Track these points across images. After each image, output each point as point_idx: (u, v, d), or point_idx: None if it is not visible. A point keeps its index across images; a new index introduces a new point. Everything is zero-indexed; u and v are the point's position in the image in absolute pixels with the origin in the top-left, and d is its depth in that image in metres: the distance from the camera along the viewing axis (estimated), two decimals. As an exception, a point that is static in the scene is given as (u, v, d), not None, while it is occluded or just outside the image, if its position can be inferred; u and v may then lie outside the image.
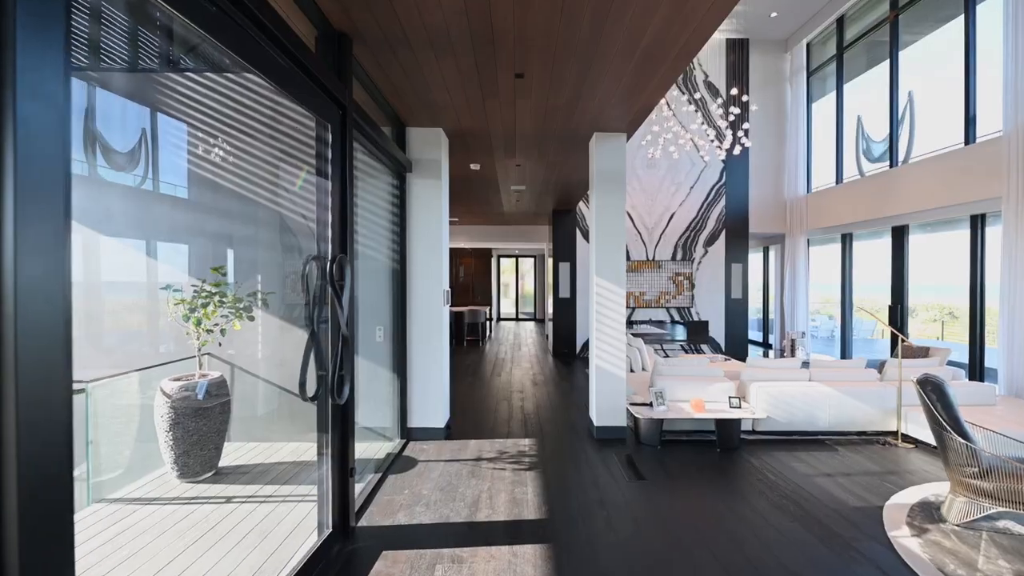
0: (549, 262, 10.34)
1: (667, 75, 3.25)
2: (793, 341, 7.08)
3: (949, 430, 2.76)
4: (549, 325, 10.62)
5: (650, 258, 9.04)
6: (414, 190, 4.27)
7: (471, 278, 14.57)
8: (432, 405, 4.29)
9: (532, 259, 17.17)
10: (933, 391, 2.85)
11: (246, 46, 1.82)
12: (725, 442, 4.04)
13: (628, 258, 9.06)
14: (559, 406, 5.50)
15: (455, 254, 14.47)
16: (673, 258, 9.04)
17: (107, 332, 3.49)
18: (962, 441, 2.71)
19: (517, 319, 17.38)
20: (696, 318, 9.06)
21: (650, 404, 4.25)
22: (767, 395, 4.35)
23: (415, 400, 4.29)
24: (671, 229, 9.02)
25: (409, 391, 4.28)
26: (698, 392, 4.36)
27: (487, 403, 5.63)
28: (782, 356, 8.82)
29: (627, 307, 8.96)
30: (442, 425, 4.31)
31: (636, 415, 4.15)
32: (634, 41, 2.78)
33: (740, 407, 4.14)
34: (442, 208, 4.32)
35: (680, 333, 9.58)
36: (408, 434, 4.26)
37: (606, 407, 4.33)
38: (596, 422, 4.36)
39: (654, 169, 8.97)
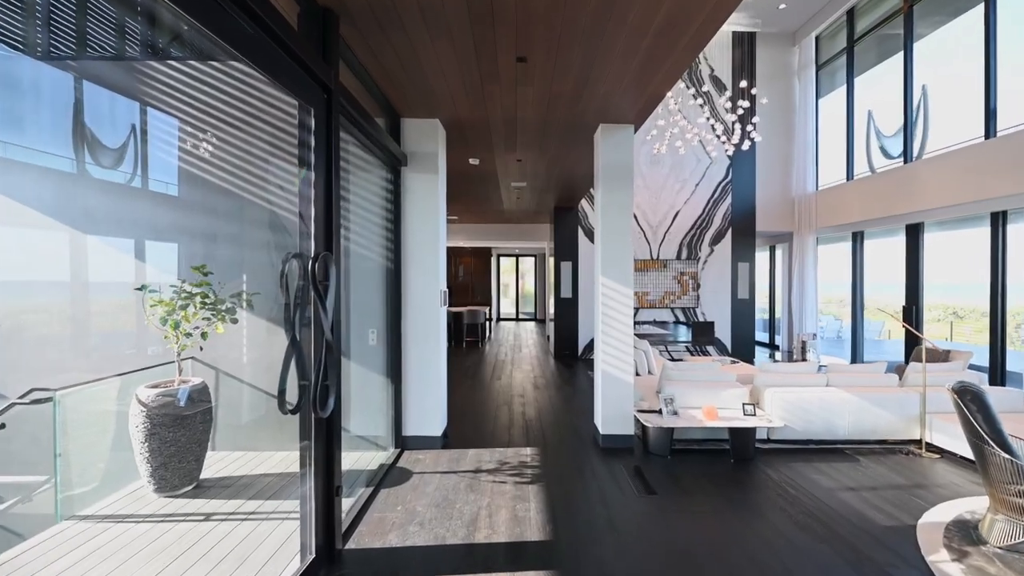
0: (550, 261, 10.11)
1: (678, 62, 3.02)
2: (804, 343, 6.84)
3: (991, 444, 2.53)
4: (550, 326, 10.39)
5: (654, 257, 8.81)
6: (409, 185, 4.03)
7: (470, 278, 14.33)
8: (429, 412, 4.06)
9: (532, 258, 16.94)
10: (972, 401, 2.62)
11: (219, 21, 1.59)
12: (739, 452, 3.80)
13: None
14: (562, 411, 5.27)
15: (454, 253, 14.25)
16: (678, 257, 8.80)
17: (80, 336, 3.27)
18: (1007, 457, 2.48)
19: (517, 319, 17.15)
20: (701, 319, 8.82)
21: (659, 411, 4.01)
22: (782, 401, 4.11)
23: (411, 407, 4.06)
24: (676, 227, 8.78)
25: (404, 397, 4.05)
26: (710, 398, 4.12)
27: (487, 408, 5.40)
28: (791, 358, 8.58)
29: (631, 307, 8.75)
30: (439, 433, 4.07)
31: (644, 423, 3.91)
32: (645, 21, 2.54)
33: (755, 415, 3.91)
34: (439, 204, 4.08)
35: (684, 334, 9.34)
36: (403, 443, 4.02)
37: (612, 414, 4.10)
38: (602, 430, 4.12)
39: (658, 166, 8.73)
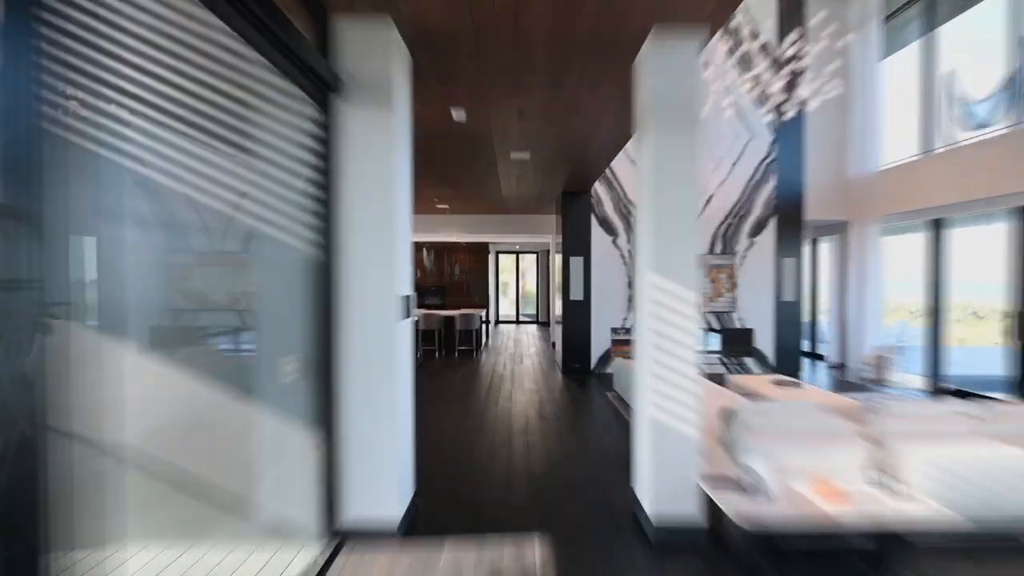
0: (557, 259, 8.66)
1: None
2: (881, 359, 5.39)
3: None
4: (556, 330, 8.95)
5: (682, 251, 7.36)
6: (348, 127, 2.58)
7: (465, 276, 12.89)
8: (382, 481, 2.62)
9: (534, 255, 15.50)
10: None
11: None
12: (879, 553, 2.35)
13: (655, 251, 7.39)
14: (582, 463, 3.82)
15: (449, 249, 12.81)
16: (711, 251, 7.35)
17: None
18: None
19: (517, 321, 15.72)
20: (738, 325, 7.37)
21: (737, 483, 2.56)
22: (929, 465, 2.66)
23: (352, 475, 2.62)
24: (709, 215, 7.33)
25: (341, 461, 2.61)
26: (813, 458, 2.67)
27: (476, 453, 3.95)
28: (842, 372, 7.12)
29: (654, 312, 7.33)
30: (399, 513, 2.64)
31: (720, 504, 2.46)
32: None
33: (896, 490, 2.46)
34: (396, 160, 2.63)
35: (713, 342, 7.90)
36: (340, 535, 2.58)
37: (668, 485, 2.65)
38: (651, 508, 2.68)
39: (687, 141, 7.28)
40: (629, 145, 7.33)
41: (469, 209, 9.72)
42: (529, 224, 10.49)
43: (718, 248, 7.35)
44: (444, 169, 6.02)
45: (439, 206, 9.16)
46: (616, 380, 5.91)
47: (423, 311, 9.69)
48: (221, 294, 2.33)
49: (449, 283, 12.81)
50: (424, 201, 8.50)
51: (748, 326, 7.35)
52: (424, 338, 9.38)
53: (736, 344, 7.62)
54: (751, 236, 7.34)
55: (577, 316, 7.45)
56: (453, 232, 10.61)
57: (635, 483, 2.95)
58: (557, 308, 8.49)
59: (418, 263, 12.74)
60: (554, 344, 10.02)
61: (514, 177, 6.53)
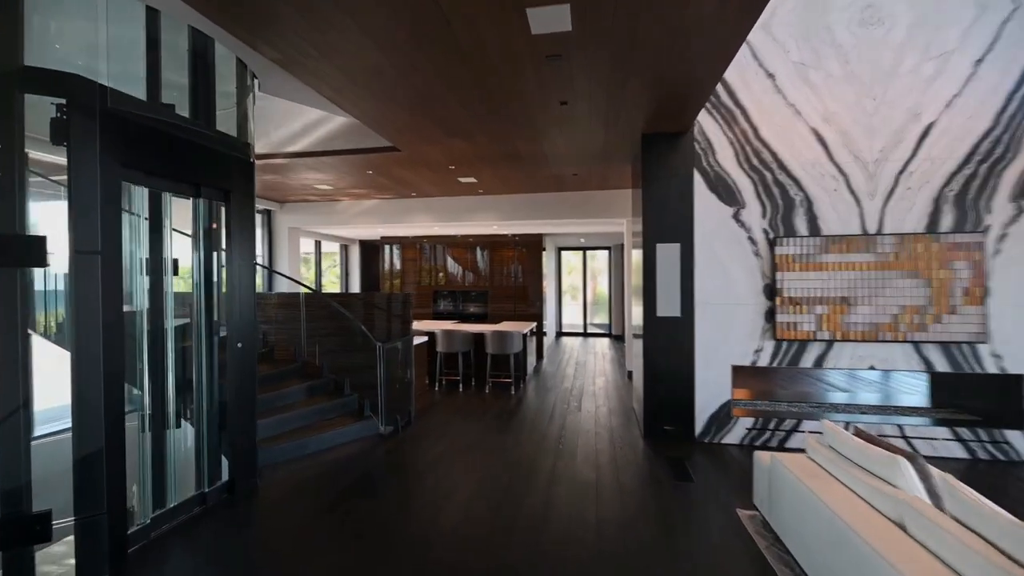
0: (635, 255, 5.64)
1: None
2: None
3: None
4: (634, 350, 5.93)
5: (869, 229, 4.08)
6: None
7: (512, 278, 10.16)
8: None
9: (606, 251, 12.44)
10: None
11: None
12: None
13: (813, 231, 4.16)
14: None
15: (495, 244, 10.18)
16: (930, 229, 3.98)
17: None
18: None
19: (585, 334, 12.73)
20: (992, 364, 3.91)
21: None
22: None
23: None
24: (923, 162, 3.98)
25: None
26: None
27: None
28: None
29: (793, 334, 4.12)
30: None
31: None
32: None
33: None
34: None
35: (918, 390, 4.50)
36: None
37: None
38: None
39: (879, 27, 3.99)
40: (755, 38, 4.20)
41: (507, 185, 7.02)
42: (592, 205, 7.54)
43: (945, 222, 3.95)
44: (437, 93, 3.37)
45: (463, 180, 6.56)
46: (763, 491, 2.88)
47: (443, 325, 7.14)
48: None
49: (495, 286, 10.18)
50: (435, 168, 5.94)
51: (1013, 370, 3.86)
52: (447, 362, 6.83)
53: (968, 395, 4.16)
54: (1017, 198, 3.86)
55: (670, 343, 4.42)
56: (491, 220, 7.98)
57: None
58: (635, 322, 5.50)
59: (466, 262, 10.25)
60: (630, 375, 6.99)
61: (555, 100, 3.72)
